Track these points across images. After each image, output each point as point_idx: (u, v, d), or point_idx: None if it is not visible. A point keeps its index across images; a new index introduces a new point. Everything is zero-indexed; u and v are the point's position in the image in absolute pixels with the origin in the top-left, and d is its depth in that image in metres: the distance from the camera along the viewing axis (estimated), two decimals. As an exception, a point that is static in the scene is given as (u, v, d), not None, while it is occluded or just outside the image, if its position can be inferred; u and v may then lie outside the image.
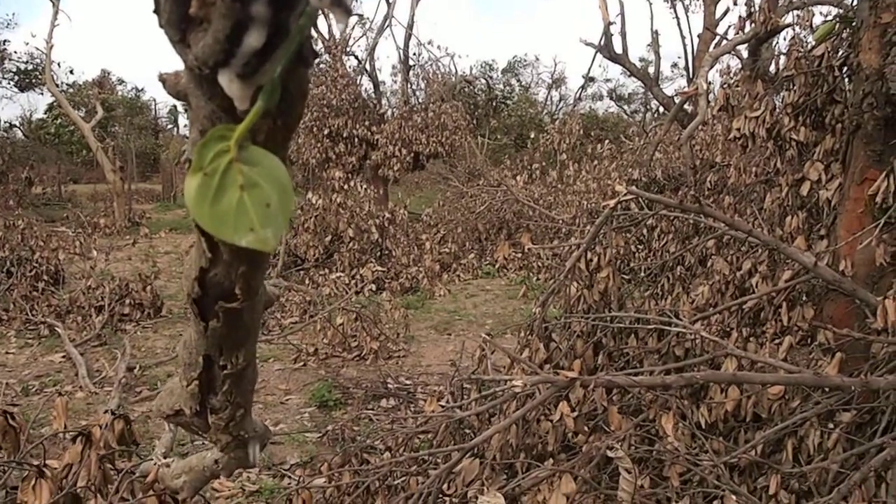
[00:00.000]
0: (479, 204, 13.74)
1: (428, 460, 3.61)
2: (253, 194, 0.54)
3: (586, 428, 3.84)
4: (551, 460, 3.55)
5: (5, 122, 32.74)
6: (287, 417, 5.85)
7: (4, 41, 30.56)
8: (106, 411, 2.96)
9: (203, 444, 4.18)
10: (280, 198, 0.54)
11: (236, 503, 4.26)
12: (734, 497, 3.12)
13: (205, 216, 0.54)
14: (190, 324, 0.90)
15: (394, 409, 5.50)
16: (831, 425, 4.05)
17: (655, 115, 28.52)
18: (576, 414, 3.61)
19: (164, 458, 2.31)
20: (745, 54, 10.07)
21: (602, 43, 13.45)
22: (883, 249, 4.46)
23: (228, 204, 0.53)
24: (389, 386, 6.41)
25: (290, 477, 4.54)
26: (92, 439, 2.70)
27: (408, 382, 6.59)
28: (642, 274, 6.18)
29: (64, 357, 7.71)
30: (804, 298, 5.05)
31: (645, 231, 7.80)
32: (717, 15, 20.60)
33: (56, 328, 8.40)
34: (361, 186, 12.26)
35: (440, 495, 3.31)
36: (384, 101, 20.15)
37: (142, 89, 40.05)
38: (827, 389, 4.33)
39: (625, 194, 4.34)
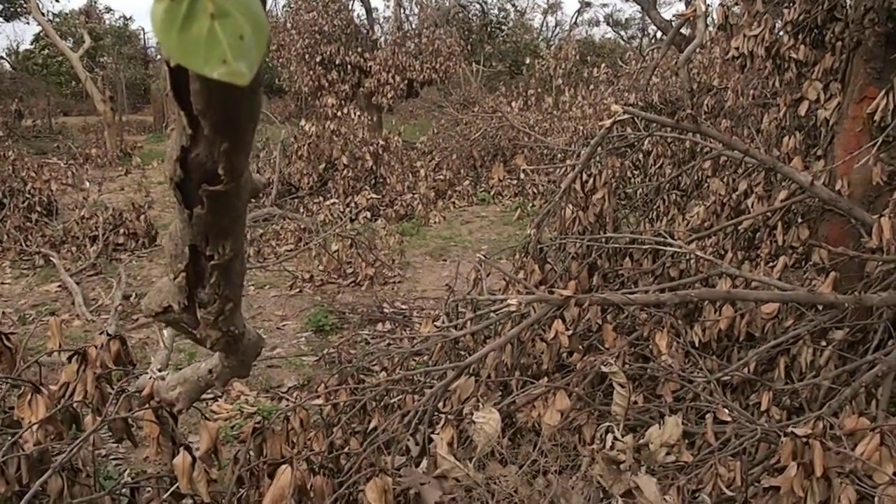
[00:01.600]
0: (473, 131, 13.61)
1: (423, 381, 3.63)
2: (225, 24, 0.50)
3: (580, 348, 3.86)
4: (546, 379, 3.58)
5: (-8, 54, 32.16)
6: (284, 342, 5.89)
7: (-13, -31, 29.81)
8: (101, 332, 2.96)
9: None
10: (255, 31, 0.51)
11: (234, 425, 4.30)
12: (727, 410, 3.15)
13: (172, 44, 0.50)
14: (175, 214, 0.87)
15: (389, 333, 5.53)
16: (823, 343, 4.08)
17: (652, 41, 28.06)
18: (570, 332, 3.63)
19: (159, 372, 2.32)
20: (744, -26, 9.84)
21: (599, -36, 13.12)
22: (880, 168, 4.43)
23: (198, 32, 0.50)
24: (385, 311, 6.44)
25: (287, 399, 4.58)
26: (88, 359, 2.70)
27: (403, 307, 6.61)
28: (638, 200, 6.14)
29: (60, 286, 7.71)
30: (799, 220, 5.04)
31: (641, 157, 7.74)
32: (717, -65, 20.11)
33: (51, 258, 8.39)
34: (355, 113, 12.12)
35: (436, 413, 3.34)
36: (377, 28, 19.78)
37: (130, 18, 39.21)
38: (820, 308, 4.35)
39: (621, 113, 4.28)
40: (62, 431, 2.38)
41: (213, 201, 0.80)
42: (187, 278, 0.97)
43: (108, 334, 2.89)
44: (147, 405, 2.20)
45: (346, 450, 3.10)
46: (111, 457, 4.18)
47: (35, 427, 2.21)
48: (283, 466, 1.98)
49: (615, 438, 2.68)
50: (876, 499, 2.72)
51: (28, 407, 2.26)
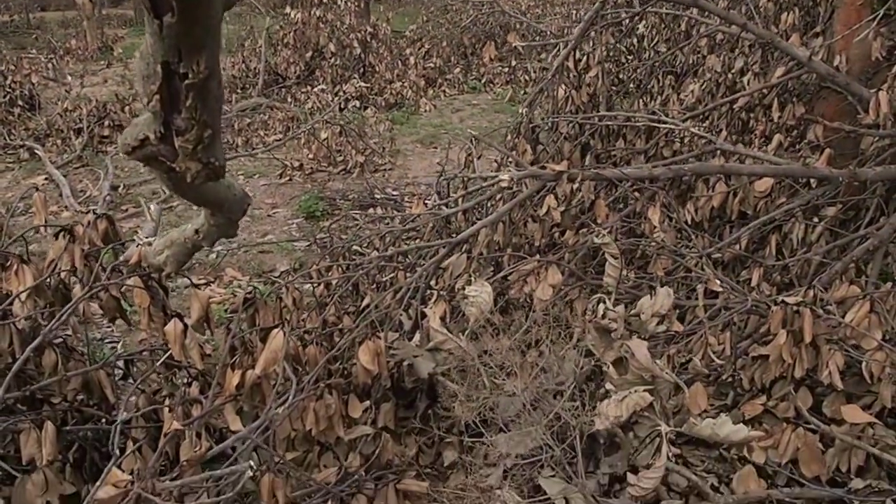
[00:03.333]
0: (464, 18, 13.26)
1: (415, 259, 3.63)
2: None
3: (573, 225, 3.84)
4: (538, 256, 3.57)
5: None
6: (275, 229, 5.87)
7: None
8: (89, 212, 2.92)
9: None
10: None
11: (227, 308, 4.32)
12: (718, 282, 3.16)
13: None
14: (145, 29, 0.82)
15: (381, 218, 5.51)
16: (816, 219, 4.08)
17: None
18: (562, 209, 3.60)
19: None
20: None
21: None
22: (879, 43, 4.33)
23: None
24: (376, 197, 6.40)
25: (280, 283, 4.58)
26: (75, 235, 2.67)
27: (394, 193, 6.57)
28: (631, 84, 6.01)
29: (46, 179, 7.61)
30: (795, 100, 4.95)
31: (635, 41, 7.57)
32: None
33: (36, 151, 8.27)
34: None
35: (428, 290, 3.34)
36: None
37: None
38: (813, 185, 4.33)
39: (616, -14, 4.14)
40: (53, 305, 2.37)
41: (184, 7, 0.74)
42: (161, 102, 0.92)
43: (94, 213, 2.85)
44: (135, 273, 2.18)
45: (338, 327, 3.12)
46: (106, 340, 4.21)
47: (24, 296, 2.20)
48: (276, 331, 1.98)
49: (607, 308, 2.69)
50: (864, 364, 2.76)
51: (15, 277, 2.24)
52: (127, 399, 2.21)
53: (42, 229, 5.33)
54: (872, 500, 2.56)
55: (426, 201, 3.91)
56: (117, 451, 2.03)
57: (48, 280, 2.45)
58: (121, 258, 2.40)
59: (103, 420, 2.59)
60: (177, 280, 4.52)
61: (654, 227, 3.58)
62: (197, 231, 1.81)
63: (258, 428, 1.79)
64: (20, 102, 9.95)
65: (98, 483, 1.61)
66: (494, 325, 2.93)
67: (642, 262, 4.13)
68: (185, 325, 2.14)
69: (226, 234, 1.86)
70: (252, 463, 1.55)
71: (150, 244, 1.99)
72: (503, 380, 2.68)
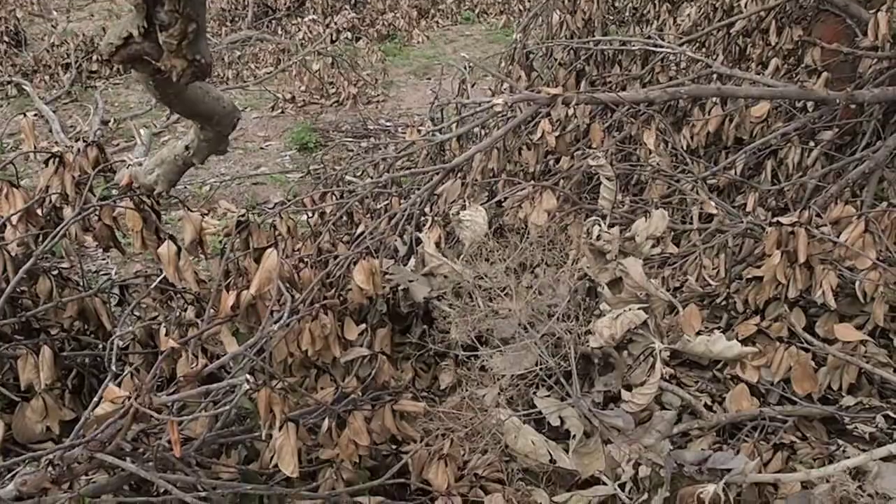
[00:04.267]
0: (456, -54, 12.96)
1: (410, 186, 3.61)
2: None
3: (568, 151, 3.81)
4: (533, 182, 3.55)
5: None
6: (268, 161, 5.83)
7: None
8: (78, 140, 2.88)
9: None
10: None
11: (221, 239, 4.30)
12: (713, 203, 3.15)
13: None
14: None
15: (375, 147, 5.47)
16: (812, 144, 4.06)
17: None
18: (557, 134, 3.57)
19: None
20: None
21: None
22: (879, -38, 4.25)
23: None
24: (369, 128, 6.35)
25: (273, 212, 4.57)
26: (65, 162, 2.64)
27: (388, 124, 6.52)
28: (627, 11, 5.91)
29: (36, 115, 7.51)
30: (792, 24, 4.87)
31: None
32: None
33: (24, 87, 8.15)
34: (330, -72, 11.47)
35: (422, 216, 3.33)
36: None
37: None
38: (810, 110, 4.30)
39: None
40: (45, 230, 2.35)
41: None
42: (144, -7, 0.90)
43: (84, 140, 2.81)
44: (127, 194, 2.16)
45: (333, 254, 3.11)
46: (101, 272, 4.21)
47: (15, 220, 2.18)
48: (269, 250, 1.97)
49: (601, 230, 2.69)
50: (857, 284, 2.77)
51: (6, 201, 2.22)
52: (122, 322, 2.22)
53: (31, 161, 5.30)
54: (863, 416, 2.59)
55: (419, 128, 3.86)
56: (115, 375, 2.05)
57: (40, 207, 2.43)
58: (113, 181, 2.38)
59: (100, 347, 2.60)
60: (170, 212, 4.51)
61: (650, 150, 3.56)
62: (187, 147, 1.79)
63: (254, 346, 1.80)
64: (6, 38, 9.75)
65: (95, 399, 1.62)
66: (489, 249, 2.93)
67: (637, 189, 4.11)
68: (179, 248, 2.14)
69: (216, 150, 1.84)
70: (248, 377, 1.56)
71: (140, 164, 1.97)
72: (498, 303, 2.68)
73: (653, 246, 2.79)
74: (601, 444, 2.05)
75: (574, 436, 2.38)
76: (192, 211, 2.13)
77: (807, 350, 2.69)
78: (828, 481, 1.78)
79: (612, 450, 1.99)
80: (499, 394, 2.49)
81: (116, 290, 2.67)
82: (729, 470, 1.68)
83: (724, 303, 3.14)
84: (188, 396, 1.57)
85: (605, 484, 2.18)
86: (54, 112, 7.38)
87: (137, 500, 1.84)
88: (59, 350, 2.48)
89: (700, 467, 1.70)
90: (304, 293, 2.10)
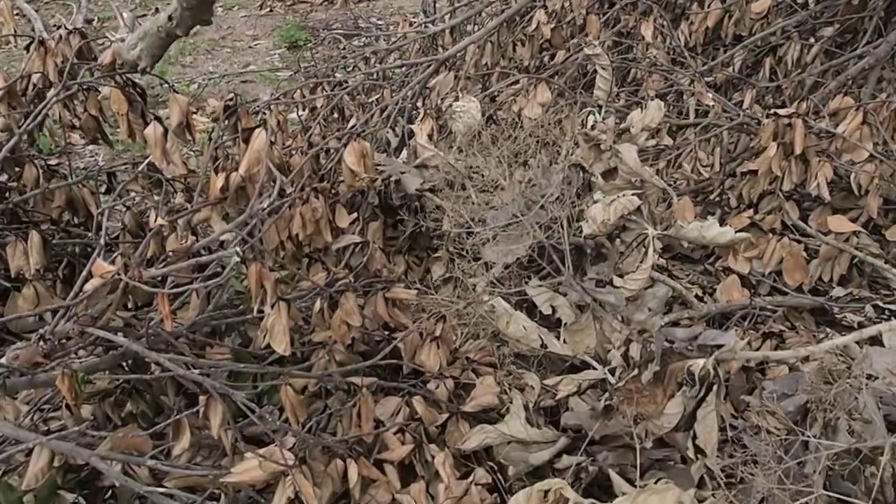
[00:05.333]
0: None
1: (402, 78, 3.54)
2: None
3: (563, 44, 3.73)
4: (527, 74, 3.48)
5: None
6: (257, 59, 5.71)
7: None
8: (59, 27, 2.79)
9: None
10: None
11: (211, 137, 4.24)
12: (710, 95, 3.10)
13: None
14: None
15: (366, 43, 5.35)
16: (812, 40, 3.98)
17: None
18: (553, 26, 3.49)
19: (120, 40, 2.20)
20: None
21: None
22: None
23: None
24: (361, 26, 6.20)
25: (263, 112, 4.50)
26: (48, 48, 2.56)
27: (380, 22, 6.37)
28: None
29: (18, 13, 7.29)
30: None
31: None
32: None
33: (4, -16, 7.90)
34: None
35: (414, 109, 3.28)
36: None
37: None
38: (811, 6, 4.20)
39: None
40: (29, 115, 2.30)
41: None
42: None
43: (66, 27, 2.72)
44: (110, 74, 2.10)
45: (324, 147, 3.07)
46: (89, 169, 4.16)
47: (-6, 99, 2.13)
48: (258, 130, 1.93)
49: (596, 121, 2.65)
50: (852, 175, 2.75)
51: (-14, 81, 2.16)
52: (109, 206, 2.19)
53: (14, 57, 5.16)
54: (852, 306, 2.61)
55: (412, 21, 3.77)
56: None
57: (23, 93, 2.38)
58: (96, 63, 2.31)
59: (89, 236, 2.59)
60: (158, 110, 4.43)
61: (648, 45, 3.48)
62: (170, 18, 1.72)
63: (244, 225, 1.78)
64: (-17, -66, 9.44)
65: (83, 273, 1.61)
66: (482, 141, 2.89)
67: (634, 85, 4.05)
68: (166, 129, 2.10)
69: (200, 19, 1.78)
70: (238, 250, 1.54)
71: (122, 40, 1.91)
72: (491, 193, 2.66)
73: (648, 138, 2.75)
74: (592, 321, 2.06)
75: (565, 323, 2.40)
76: (178, 91, 2.08)
77: (799, 242, 2.70)
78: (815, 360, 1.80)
79: (605, 328, 2.00)
80: (492, 283, 2.49)
81: (104, 177, 2.64)
82: (720, 346, 1.69)
83: (717, 199, 3.13)
84: (178, 269, 1.56)
85: (595, 368, 2.21)
86: (36, 11, 7.16)
87: (131, 377, 1.85)
88: (49, 238, 2.46)
89: (690, 344, 1.71)
90: (294, 174, 2.06)
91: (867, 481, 1.73)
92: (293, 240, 2.24)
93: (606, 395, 2.06)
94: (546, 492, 1.50)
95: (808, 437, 1.68)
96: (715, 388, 1.66)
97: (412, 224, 3.01)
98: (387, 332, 2.30)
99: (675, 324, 2.52)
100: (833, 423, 1.71)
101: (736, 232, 2.37)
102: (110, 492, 2.14)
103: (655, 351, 1.65)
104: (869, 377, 1.89)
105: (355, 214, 2.56)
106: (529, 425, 2.07)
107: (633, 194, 2.20)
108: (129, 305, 1.87)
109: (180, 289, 1.69)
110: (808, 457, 1.53)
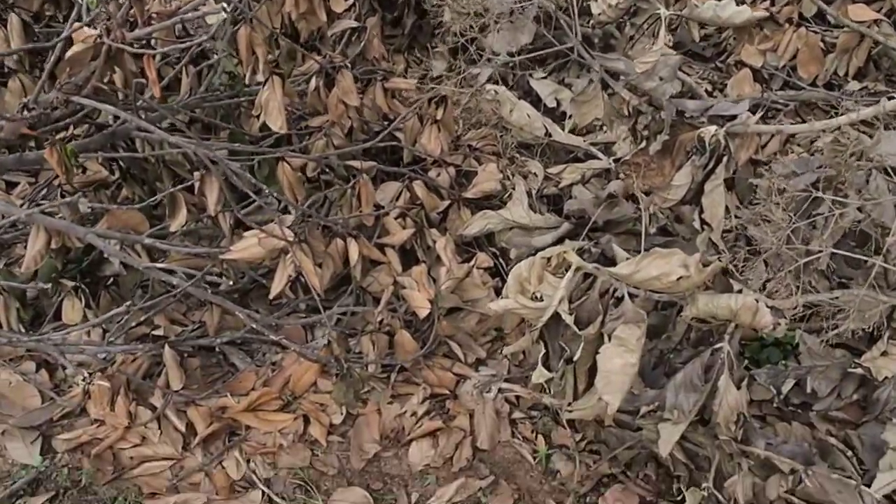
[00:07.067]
0: None
1: None
2: None
3: None
4: None
5: None
6: None
7: None
8: None
9: None
10: None
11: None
12: None
13: None
14: None
15: None
16: None
17: None
18: None
19: None
20: None
21: None
22: None
23: None
24: None
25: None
26: None
27: None
28: None
29: None
30: None
31: None
32: None
33: None
34: None
35: None
36: None
37: None
38: None
39: None
40: None
41: None
42: None
43: None
44: None
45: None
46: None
47: None
48: None
49: None
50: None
51: None
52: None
53: None
54: (867, 100, 2.52)
55: None
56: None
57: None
58: None
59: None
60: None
61: None
62: None
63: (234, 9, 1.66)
64: None
65: (62, 34, 1.52)
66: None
67: None
68: None
69: None
70: (224, 5, 1.44)
71: None
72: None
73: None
74: (601, 91, 1.99)
75: (570, 116, 2.32)
76: None
77: (816, 33, 2.57)
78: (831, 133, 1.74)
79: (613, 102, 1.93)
80: (496, 76, 2.40)
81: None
82: (733, 118, 1.62)
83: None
84: (161, 28, 1.47)
85: (599, 158, 2.16)
86: None
87: (123, 155, 1.80)
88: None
89: (702, 115, 1.64)
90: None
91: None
92: (287, 26, 2.13)
93: (611, 181, 2.02)
94: (548, 259, 1.47)
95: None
96: (725, 159, 1.60)
97: (411, 22, 2.88)
98: (386, 123, 2.23)
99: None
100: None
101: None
102: (112, 280, 2.14)
103: (665, 120, 1.58)
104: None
105: (351, 1, 2.43)
106: (532, 211, 2.04)
107: (645, -26, 2.07)
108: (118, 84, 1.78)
109: (167, 49, 1.60)
110: (820, 216, 1.49)
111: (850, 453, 1.74)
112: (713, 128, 1.55)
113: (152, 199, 1.75)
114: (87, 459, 1.82)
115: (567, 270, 1.48)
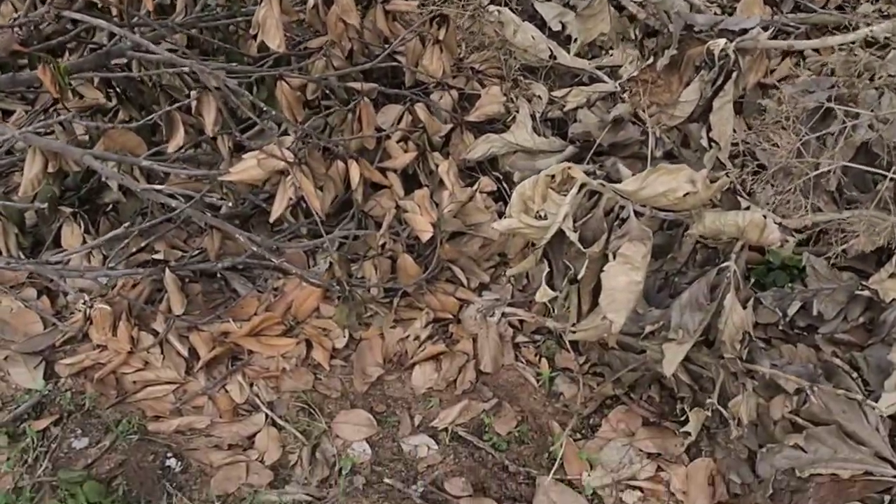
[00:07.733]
0: None
1: None
2: None
3: None
4: None
5: None
6: None
7: None
8: None
9: None
10: None
11: None
12: None
13: None
14: None
15: None
16: None
17: None
18: None
19: None
20: None
21: None
22: None
23: None
24: None
25: None
26: None
27: None
28: None
29: None
30: None
31: None
32: None
33: None
34: None
35: None
36: None
37: None
38: None
39: None
40: None
41: None
42: None
43: None
44: None
45: None
46: None
47: None
48: None
49: None
50: None
51: None
52: None
53: None
54: (877, 21, 2.46)
55: None
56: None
57: None
58: None
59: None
60: None
61: None
62: None
63: None
64: None
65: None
66: None
67: None
68: None
69: None
70: None
71: None
72: None
73: None
74: (607, 4, 1.94)
75: (575, 39, 2.27)
76: None
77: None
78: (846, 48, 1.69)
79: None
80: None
81: None
82: (744, 32, 1.57)
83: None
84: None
85: (605, 82, 2.11)
86: None
87: (118, 75, 1.76)
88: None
89: (711, 29, 1.59)
90: None
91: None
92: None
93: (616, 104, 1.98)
94: (552, 177, 1.44)
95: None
96: (734, 75, 1.56)
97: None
98: (387, 46, 2.18)
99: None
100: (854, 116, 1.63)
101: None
102: (112, 207, 2.12)
103: (673, 34, 1.53)
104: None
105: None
106: (536, 134, 2.01)
107: None
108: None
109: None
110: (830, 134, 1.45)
111: (855, 375, 1.73)
112: (722, 41, 1.51)
113: (149, 118, 1.71)
114: (90, 384, 1.82)
115: (571, 188, 1.45)
